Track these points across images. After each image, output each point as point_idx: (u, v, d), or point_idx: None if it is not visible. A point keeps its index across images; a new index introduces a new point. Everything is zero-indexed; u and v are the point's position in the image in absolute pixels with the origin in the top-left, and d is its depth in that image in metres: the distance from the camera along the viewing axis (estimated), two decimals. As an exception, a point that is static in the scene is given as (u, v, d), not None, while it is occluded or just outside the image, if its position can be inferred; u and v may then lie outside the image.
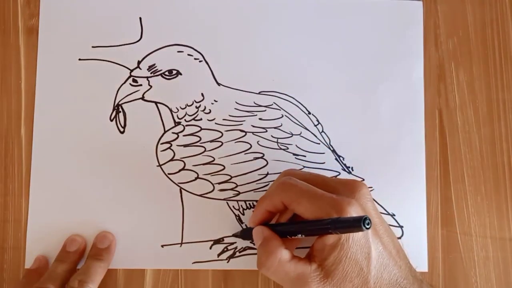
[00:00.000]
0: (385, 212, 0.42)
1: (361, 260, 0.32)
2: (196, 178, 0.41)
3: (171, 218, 0.40)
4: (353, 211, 0.32)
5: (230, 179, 0.41)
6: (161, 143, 0.41)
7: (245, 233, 0.39)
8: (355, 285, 0.33)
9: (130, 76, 0.41)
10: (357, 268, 0.32)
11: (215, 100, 0.41)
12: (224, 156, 0.41)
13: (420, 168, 0.43)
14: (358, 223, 0.29)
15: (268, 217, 0.37)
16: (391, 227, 0.42)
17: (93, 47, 0.41)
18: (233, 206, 0.41)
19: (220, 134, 0.41)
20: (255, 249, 0.41)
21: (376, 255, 0.33)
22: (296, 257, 0.34)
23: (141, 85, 0.41)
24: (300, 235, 0.34)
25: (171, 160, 0.41)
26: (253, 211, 0.38)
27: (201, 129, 0.41)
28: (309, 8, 0.43)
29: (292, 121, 0.42)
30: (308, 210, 0.33)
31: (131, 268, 0.40)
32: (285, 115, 0.42)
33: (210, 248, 0.40)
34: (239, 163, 0.41)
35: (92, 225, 0.40)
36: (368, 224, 0.29)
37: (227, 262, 0.41)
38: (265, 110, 0.42)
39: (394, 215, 0.42)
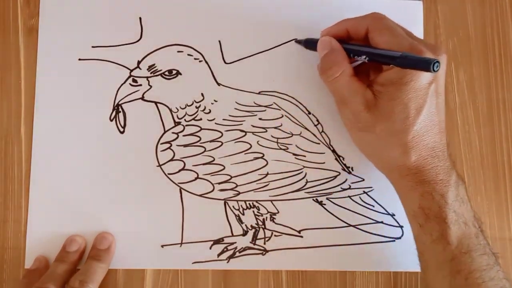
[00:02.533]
0: (385, 212, 0.42)
1: (411, 108, 0.33)
2: (196, 178, 0.41)
3: (171, 218, 0.40)
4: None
5: (230, 179, 0.41)
6: (161, 143, 0.41)
7: (310, 43, 0.40)
8: (395, 128, 0.34)
9: (130, 76, 0.41)
10: (404, 114, 0.33)
11: (215, 100, 0.41)
12: (224, 156, 0.41)
13: (420, 168, 0.43)
14: (428, 64, 0.30)
15: (341, 35, 0.38)
16: (391, 226, 0.42)
17: (93, 47, 0.41)
18: (233, 206, 0.41)
19: (220, 134, 0.41)
20: (255, 249, 0.41)
21: (427, 113, 0.34)
22: (356, 76, 0.35)
23: (141, 85, 0.41)
24: (365, 57, 0.34)
25: (171, 160, 0.41)
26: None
27: (201, 129, 0.41)
28: (309, 8, 0.43)
29: (292, 121, 0.42)
30: (386, 42, 0.34)
31: (131, 268, 0.40)
32: (285, 115, 0.42)
33: (210, 248, 0.40)
34: (239, 163, 0.41)
35: (92, 225, 0.40)
36: (436, 67, 0.30)
37: (227, 262, 0.40)
38: (265, 110, 0.42)
39: (394, 215, 0.42)
